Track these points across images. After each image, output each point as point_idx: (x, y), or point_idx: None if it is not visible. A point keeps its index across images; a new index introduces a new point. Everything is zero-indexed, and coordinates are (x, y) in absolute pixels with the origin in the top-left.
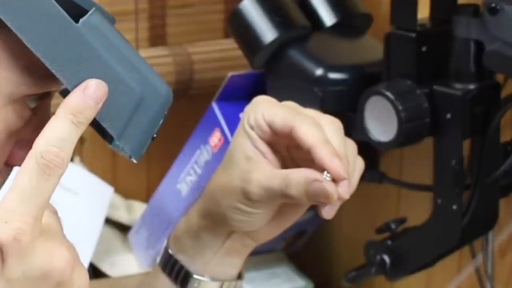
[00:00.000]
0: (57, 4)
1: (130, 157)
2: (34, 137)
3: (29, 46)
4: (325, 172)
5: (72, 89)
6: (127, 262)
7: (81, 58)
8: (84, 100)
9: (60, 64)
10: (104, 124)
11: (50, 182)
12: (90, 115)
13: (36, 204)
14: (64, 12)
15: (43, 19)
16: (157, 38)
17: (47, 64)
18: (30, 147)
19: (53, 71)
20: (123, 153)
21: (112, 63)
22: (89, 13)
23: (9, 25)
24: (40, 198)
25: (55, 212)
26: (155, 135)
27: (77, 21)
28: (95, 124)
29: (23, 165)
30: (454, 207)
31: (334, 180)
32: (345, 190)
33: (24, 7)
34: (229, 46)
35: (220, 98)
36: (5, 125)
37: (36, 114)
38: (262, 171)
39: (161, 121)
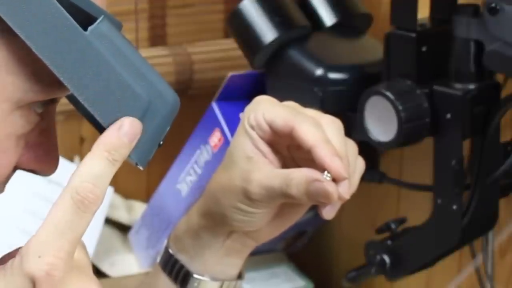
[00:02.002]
0: (65, 12)
1: (136, 164)
2: (40, 141)
3: (37, 53)
4: (326, 172)
5: (80, 97)
6: (127, 262)
7: (89, 66)
8: (119, 138)
9: (68, 72)
10: None
11: (84, 218)
12: (125, 153)
13: (70, 240)
14: (73, 20)
15: (52, 27)
16: (157, 38)
17: (55, 72)
18: (35, 150)
19: (61, 79)
20: (129, 159)
21: (120, 71)
22: (98, 21)
23: (17, 32)
24: (74, 233)
25: (84, 247)
26: (161, 142)
27: (85, 28)
28: (101, 128)
29: (58, 199)
30: (454, 207)
31: (335, 180)
32: (346, 190)
33: (33, 14)
34: (229, 46)
35: (220, 98)
36: (13, 130)
37: (43, 118)
38: (262, 170)
39: (167, 128)
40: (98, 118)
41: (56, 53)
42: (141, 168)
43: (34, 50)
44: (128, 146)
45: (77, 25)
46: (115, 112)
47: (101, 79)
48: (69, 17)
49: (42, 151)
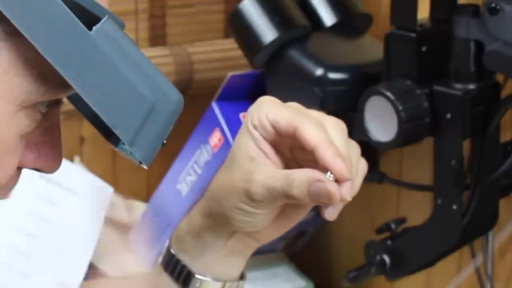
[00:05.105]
0: (70, 12)
1: (140, 162)
2: (44, 139)
3: (43, 54)
4: (328, 173)
5: (86, 97)
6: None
7: (95, 65)
8: None
9: (73, 72)
10: (116, 131)
11: None
12: None
13: None
14: (78, 20)
15: (57, 27)
16: (157, 38)
17: (61, 72)
18: (37, 150)
19: (66, 79)
20: (132, 158)
21: (125, 70)
22: (102, 20)
23: (23, 33)
24: None
25: None
26: (165, 141)
27: (90, 28)
28: (101, 128)
29: None
30: (454, 207)
31: (337, 181)
32: (348, 191)
33: (38, 15)
34: (229, 46)
35: (220, 98)
36: (18, 130)
37: (46, 117)
38: (264, 171)
39: (171, 127)
40: (103, 119)
41: (61, 53)
42: (145, 167)
43: (40, 51)
44: None
45: (82, 25)
46: (120, 112)
47: (106, 79)
48: (74, 17)
49: (45, 149)
